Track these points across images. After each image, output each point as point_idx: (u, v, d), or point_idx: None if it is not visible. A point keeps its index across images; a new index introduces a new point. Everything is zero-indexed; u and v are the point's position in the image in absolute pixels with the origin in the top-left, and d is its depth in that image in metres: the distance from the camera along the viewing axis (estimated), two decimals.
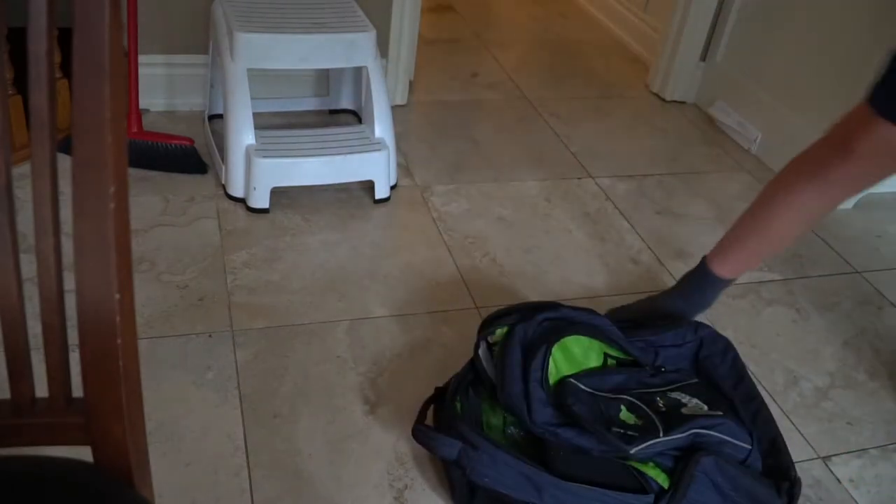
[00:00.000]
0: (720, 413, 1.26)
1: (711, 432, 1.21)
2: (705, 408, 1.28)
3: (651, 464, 1.19)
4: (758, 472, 1.24)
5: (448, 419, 1.24)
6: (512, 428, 1.30)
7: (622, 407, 1.25)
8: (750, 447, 1.23)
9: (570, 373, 1.29)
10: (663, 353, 1.41)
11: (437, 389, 1.35)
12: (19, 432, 0.69)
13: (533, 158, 2.25)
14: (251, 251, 1.73)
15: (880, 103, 1.17)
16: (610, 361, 1.35)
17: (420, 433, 1.22)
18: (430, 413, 1.35)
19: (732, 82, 2.52)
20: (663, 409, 1.27)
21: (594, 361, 1.33)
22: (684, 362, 1.43)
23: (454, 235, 1.88)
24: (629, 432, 1.20)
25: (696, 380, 1.37)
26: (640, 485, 1.17)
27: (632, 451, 1.16)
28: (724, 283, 1.51)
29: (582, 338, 1.32)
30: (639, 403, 1.27)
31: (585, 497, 1.15)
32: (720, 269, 1.49)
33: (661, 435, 1.19)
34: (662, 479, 1.18)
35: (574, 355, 1.31)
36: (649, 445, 1.17)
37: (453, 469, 1.22)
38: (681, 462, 1.19)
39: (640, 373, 1.34)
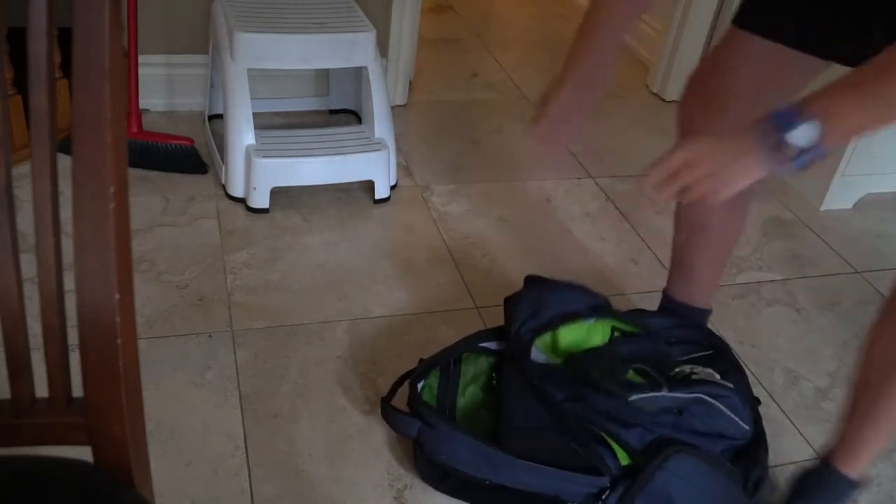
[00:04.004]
0: (730, 386, 1.24)
1: (715, 402, 1.20)
2: (717, 376, 1.27)
3: (614, 441, 1.19)
4: (729, 468, 1.22)
5: (410, 400, 1.26)
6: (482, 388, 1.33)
7: (630, 370, 1.25)
8: (748, 428, 1.22)
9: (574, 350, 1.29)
10: (676, 333, 1.40)
11: (409, 372, 1.36)
12: (19, 432, 0.69)
13: (533, 158, 2.25)
14: (251, 251, 1.73)
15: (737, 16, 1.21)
16: (616, 334, 1.34)
17: (385, 412, 1.26)
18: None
19: None
20: (673, 375, 1.26)
21: (599, 339, 1.33)
22: (698, 335, 1.42)
23: (454, 235, 1.88)
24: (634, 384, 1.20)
25: (710, 351, 1.36)
26: (594, 467, 1.17)
27: (630, 399, 1.16)
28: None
29: (574, 325, 1.32)
30: (647, 369, 1.25)
31: (536, 475, 1.17)
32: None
33: (663, 390, 1.18)
34: (622, 456, 1.17)
35: (574, 341, 1.31)
36: (651, 398, 1.16)
37: (419, 450, 1.25)
38: (652, 449, 1.17)
39: (652, 341, 1.33)
